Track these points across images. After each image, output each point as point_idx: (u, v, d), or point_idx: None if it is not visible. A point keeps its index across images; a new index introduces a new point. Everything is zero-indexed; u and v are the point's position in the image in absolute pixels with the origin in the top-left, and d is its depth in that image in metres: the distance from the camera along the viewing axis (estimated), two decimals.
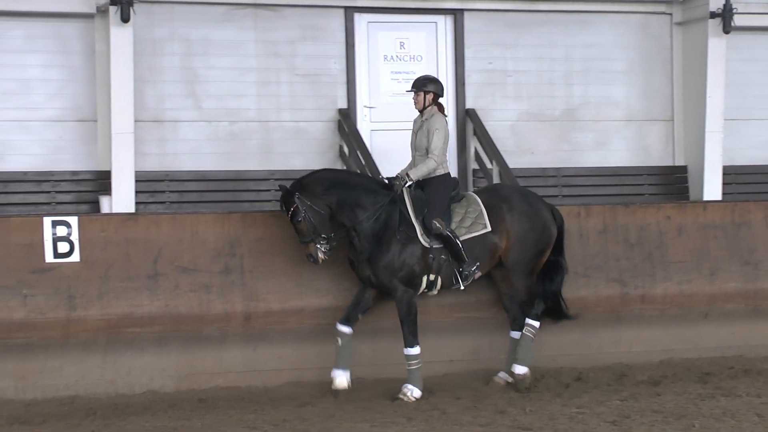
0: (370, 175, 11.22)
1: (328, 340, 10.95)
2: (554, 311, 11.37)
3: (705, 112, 15.51)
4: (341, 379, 10.69)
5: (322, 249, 10.59)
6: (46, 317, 10.42)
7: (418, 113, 11.05)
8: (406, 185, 10.77)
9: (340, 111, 14.87)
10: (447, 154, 11.00)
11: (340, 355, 10.73)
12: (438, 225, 10.63)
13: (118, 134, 13.61)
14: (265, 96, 14.64)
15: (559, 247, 11.32)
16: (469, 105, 15.41)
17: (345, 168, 14.57)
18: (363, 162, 14.16)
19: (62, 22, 14.00)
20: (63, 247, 10.59)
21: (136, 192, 13.70)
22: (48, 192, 13.87)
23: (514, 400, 10.46)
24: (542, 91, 15.70)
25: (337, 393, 10.63)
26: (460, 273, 10.79)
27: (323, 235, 10.58)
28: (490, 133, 15.04)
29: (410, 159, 11.11)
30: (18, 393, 10.45)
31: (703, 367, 11.69)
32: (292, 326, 11.07)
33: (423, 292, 10.84)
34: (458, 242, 10.68)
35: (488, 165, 14.90)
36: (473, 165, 15.30)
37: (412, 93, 11.04)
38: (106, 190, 13.75)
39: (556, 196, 15.35)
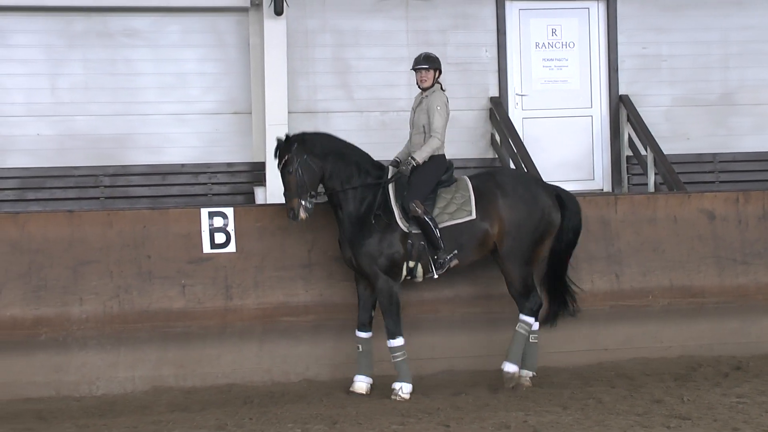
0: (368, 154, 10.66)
1: (480, 329, 10.94)
2: (558, 305, 10.84)
3: None
4: (361, 384, 10.41)
5: (306, 206, 10.25)
6: (204, 306, 10.61)
7: (420, 90, 10.67)
8: (407, 169, 10.36)
9: (492, 99, 14.81)
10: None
11: (361, 362, 10.48)
12: (414, 207, 10.24)
13: (272, 126, 13.77)
14: (416, 85, 14.63)
15: (571, 237, 10.76)
16: (622, 91, 15.20)
17: (497, 156, 14.54)
18: (515, 150, 14.09)
19: (217, 16, 14.24)
20: (219, 237, 10.76)
21: None
22: (204, 184, 14.13)
23: (671, 389, 10.27)
24: (698, 76, 15.41)
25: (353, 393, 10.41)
26: (434, 261, 10.36)
27: (311, 193, 10.27)
28: (644, 119, 14.81)
29: (418, 138, 10.62)
30: (178, 381, 10.66)
31: None
32: (445, 315, 11.06)
33: (405, 279, 10.46)
34: (432, 228, 10.25)
35: (642, 152, 14.68)
36: (627, 152, 15.09)
37: (421, 71, 10.56)
38: (261, 181, 13.94)
39: (713, 182, 15.05)
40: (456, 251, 10.40)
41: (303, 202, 10.24)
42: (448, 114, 10.56)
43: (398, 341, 10.32)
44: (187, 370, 10.60)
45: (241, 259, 10.77)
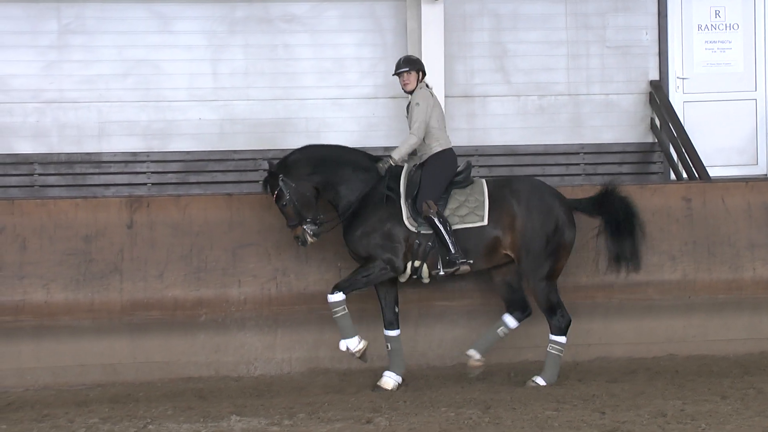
0: (362, 151, 10.60)
1: (637, 316, 10.80)
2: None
3: None
4: (388, 379, 10.23)
5: (310, 231, 10.17)
6: (361, 291, 10.65)
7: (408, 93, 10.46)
8: (388, 168, 10.22)
9: (652, 83, 14.56)
10: (447, 130, 10.43)
11: (392, 359, 10.33)
12: (426, 207, 10.02)
13: None
14: (575, 69, 14.50)
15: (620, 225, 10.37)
16: None
17: (657, 140, 14.30)
18: (675, 135, 13.84)
19: (375, 1, 14.29)
20: None
21: None
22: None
23: None
24: None
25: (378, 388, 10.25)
26: (445, 260, 10.08)
27: (309, 219, 10.16)
28: None
29: None
30: (334, 363, 10.78)
31: None
32: (601, 301, 10.95)
33: (411, 279, 10.28)
34: (444, 231, 10.01)
35: None
36: None
37: (403, 74, 10.38)
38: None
39: None
40: (467, 259, 10.16)
41: (306, 228, 10.19)
42: (432, 106, 10.35)
43: (338, 296, 10.07)
44: (343, 353, 10.68)
45: None
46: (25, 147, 13.57)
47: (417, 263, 10.20)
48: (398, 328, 10.40)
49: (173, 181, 13.88)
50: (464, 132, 14.24)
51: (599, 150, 14.35)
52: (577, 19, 14.53)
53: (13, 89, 13.57)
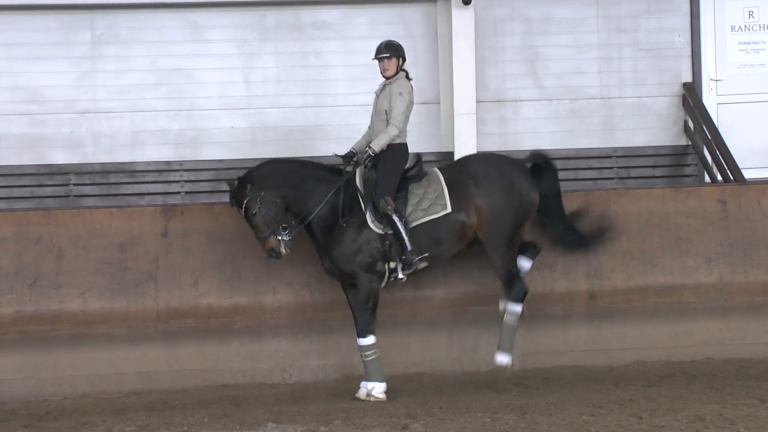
0: (320, 162, 10.43)
1: (673, 320, 10.75)
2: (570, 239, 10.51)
3: None
4: (363, 390, 10.09)
5: (284, 240, 10.02)
6: (393, 296, 10.67)
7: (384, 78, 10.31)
8: (368, 159, 10.08)
9: (685, 85, 14.51)
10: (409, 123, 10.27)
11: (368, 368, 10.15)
12: (384, 203, 9.89)
13: (460, 115, 13.80)
14: (607, 72, 14.46)
15: (554, 205, 10.44)
16: None
17: (690, 143, 14.23)
18: (709, 137, 13.77)
19: (405, 6, 14.31)
20: None
21: None
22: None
23: None
24: None
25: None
26: (402, 260, 9.97)
27: (283, 226, 10.01)
28: None
29: (381, 126, 10.28)
30: None
31: None
32: (637, 305, 10.90)
33: (390, 281, 10.15)
34: (400, 227, 9.89)
35: None
36: None
37: (383, 59, 10.24)
38: None
39: None
40: (426, 253, 10.06)
41: (280, 238, 10.04)
42: (411, 102, 10.25)
43: (369, 340, 10.03)
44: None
45: None
46: (59, 157, 13.66)
47: (392, 264, 10.10)
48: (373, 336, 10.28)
49: (206, 189, 13.93)
50: (496, 136, 14.23)
51: (632, 153, 14.31)
52: (608, 22, 14.50)
53: (47, 100, 13.67)
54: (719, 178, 13.66)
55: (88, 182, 13.61)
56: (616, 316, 10.81)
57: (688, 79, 14.57)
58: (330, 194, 10.05)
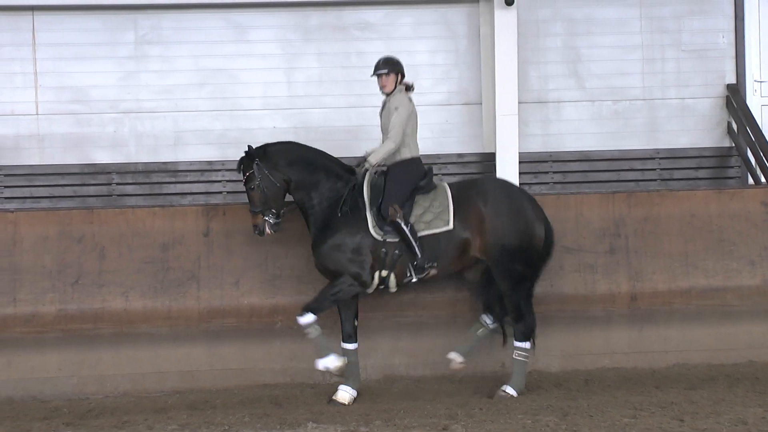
0: (337, 158, 10.40)
1: (716, 322, 10.68)
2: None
3: None
4: (344, 393, 10.08)
5: (271, 222, 10.06)
6: (434, 297, 10.67)
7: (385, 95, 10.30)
8: (365, 171, 10.07)
9: (729, 86, 14.41)
10: (418, 137, 10.24)
11: (349, 373, 10.13)
12: (393, 211, 9.85)
13: (502, 116, 13.77)
14: (650, 73, 14.39)
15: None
16: None
17: (734, 145, 14.14)
18: (753, 138, 13.67)
19: (448, 7, 14.30)
20: None
21: (520, 173, 13.81)
22: (435, 174, 14.19)
23: None
24: None
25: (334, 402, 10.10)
26: (414, 265, 9.92)
27: (273, 210, 10.05)
28: None
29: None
30: (408, 370, 10.79)
31: None
32: (679, 307, 10.85)
33: (378, 289, 10.10)
34: (409, 235, 9.84)
35: None
36: None
37: (381, 76, 10.23)
38: (491, 171, 13.95)
39: None
40: (435, 262, 10.04)
41: (267, 218, 10.08)
42: (410, 113, 10.20)
43: (307, 318, 9.88)
44: (418, 360, 10.71)
45: None
46: (103, 157, 13.75)
47: (384, 273, 10.08)
48: (356, 342, 10.29)
49: None
50: (538, 138, 14.19)
51: (675, 155, 14.22)
52: (652, 23, 14.42)
53: (91, 100, 13.76)
54: (763, 180, 13.56)
55: (130, 182, 13.69)
56: (657, 318, 10.77)
57: (732, 80, 14.47)
58: (339, 192, 10.10)
